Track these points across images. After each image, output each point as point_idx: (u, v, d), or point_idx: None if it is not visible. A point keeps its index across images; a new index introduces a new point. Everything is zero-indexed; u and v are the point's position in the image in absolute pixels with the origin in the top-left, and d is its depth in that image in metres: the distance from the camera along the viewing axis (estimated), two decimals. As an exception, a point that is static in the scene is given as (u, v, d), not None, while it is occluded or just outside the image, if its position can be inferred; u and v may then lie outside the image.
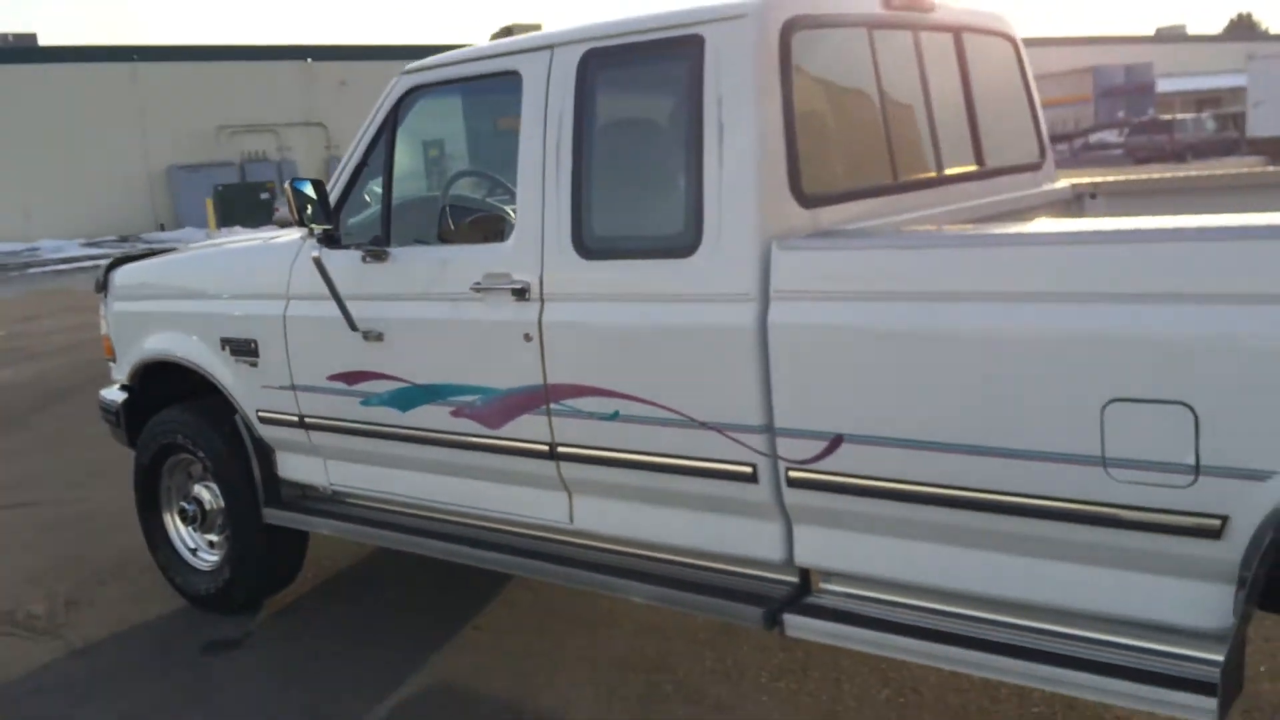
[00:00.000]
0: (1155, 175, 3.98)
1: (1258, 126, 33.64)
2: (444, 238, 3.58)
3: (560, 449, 3.22)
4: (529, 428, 3.27)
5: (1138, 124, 44.50)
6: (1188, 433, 2.20)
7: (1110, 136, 48.27)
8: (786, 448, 2.77)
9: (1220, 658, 2.23)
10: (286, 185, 3.56)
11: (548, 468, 3.28)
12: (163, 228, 34.00)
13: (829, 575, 2.94)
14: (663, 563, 3.20)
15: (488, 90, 3.63)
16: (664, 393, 2.96)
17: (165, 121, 35.22)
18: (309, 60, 37.46)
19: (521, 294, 3.20)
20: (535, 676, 3.68)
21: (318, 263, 3.54)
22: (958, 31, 3.62)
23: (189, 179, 34.65)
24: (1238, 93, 40.15)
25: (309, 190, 3.54)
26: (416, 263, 3.52)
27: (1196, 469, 2.20)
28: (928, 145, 3.46)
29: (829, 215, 2.94)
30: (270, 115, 36.86)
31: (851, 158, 3.23)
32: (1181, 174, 4.04)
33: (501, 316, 3.25)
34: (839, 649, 3.63)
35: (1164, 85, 52.14)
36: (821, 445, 2.71)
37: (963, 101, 3.64)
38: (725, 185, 2.82)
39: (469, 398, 3.39)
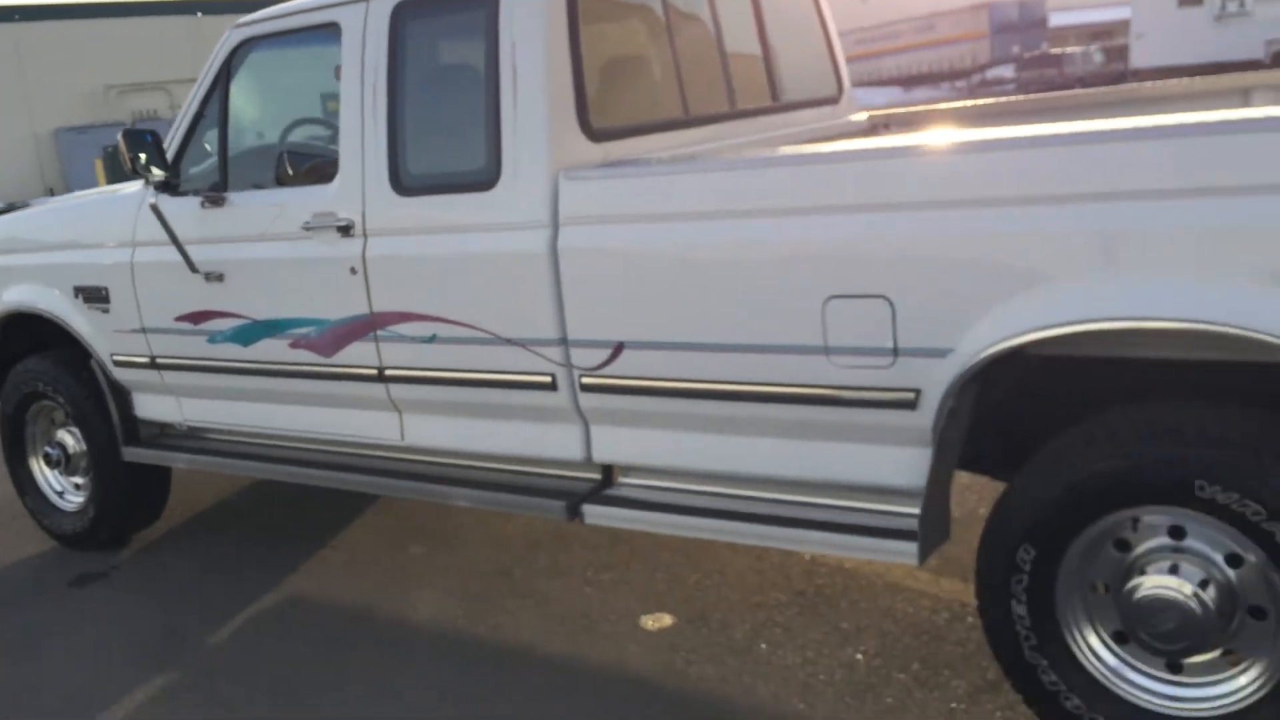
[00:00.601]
0: (943, 105, 4.36)
1: (1140, 58, 34.73)
2: (281, 182, 3.82)
3: (388, 372, 3.53)
4: (359, 354, 3.57)
5: (1029, 59, 45.43)
6: (887, 322, 2.59)
7: (1006, 72, 49.33)
8: (578, 357, 3.12)
9: (918, 510, 2.64)
10: (120, 134, 3.77)
11: (378, 390, 3.59)
12: (51, 192, 33.10)
13: (627, 470, 3.31)
14: (483, 470, 3.54)
15: (313, 41, 3.85)
16: (474, 314, 3.28)
17: (51, 83, 34.13)
18: (199, 15, 36.63)
19: (346, 230, 3.48)
20: (386, 588, 4.02)
21: (155, 209, 3.77)
22: (749, -26, 3.95)
23: (78, 141, 33.67)
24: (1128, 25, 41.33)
25: (144, 140, 3.76)
26: (252, 206, 3.77)
27: (895, 351, 2.60)
28: (720, 81, 3.80)
29: (619, 149, 3.27)
30: (160, 73, 35.87)
31: (641, 95, 3.55)
32: (975, 102, 4.42)
33: (329, 253, 3.52)
34: (663, 546, 4.05)
35: (1057, 19, 53.14)
36: (606, 353, 3.06)
37: (757, 39, 3.98)
38: (519, 124, 3.13)
39: (304, 330, 3.67)
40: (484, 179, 3.20)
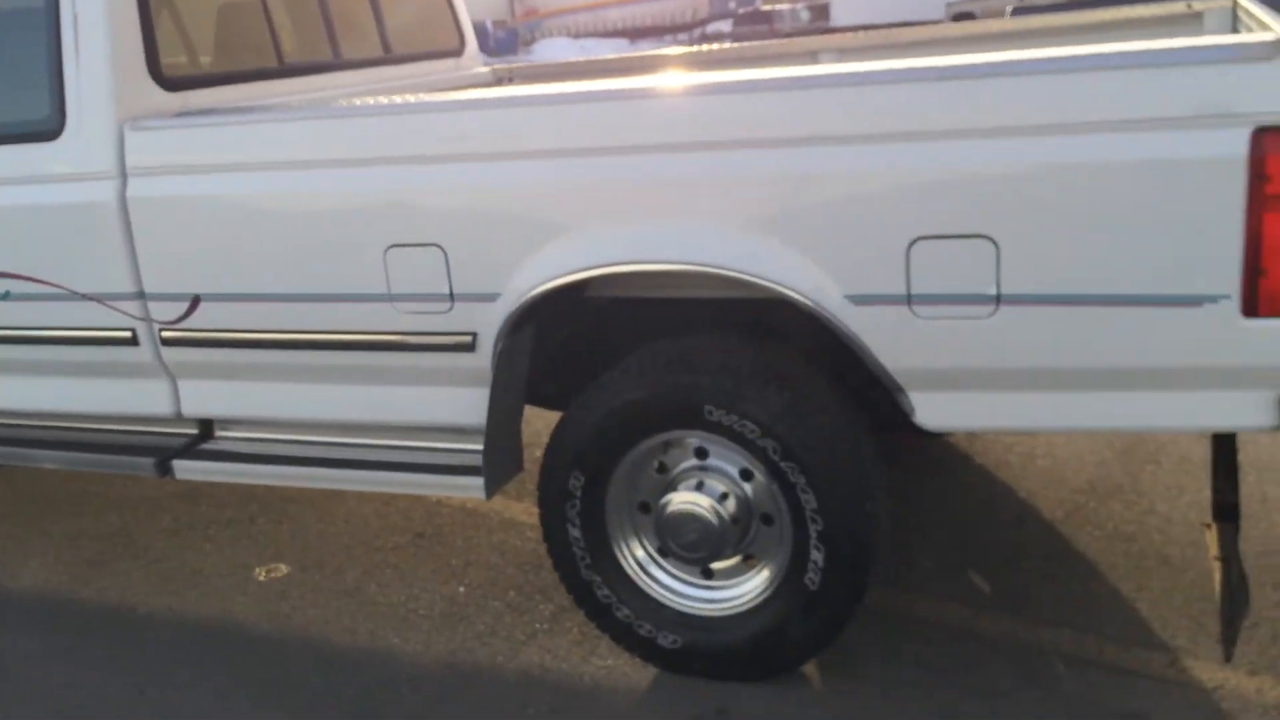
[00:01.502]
0: (581, 60, 4.53)
1: (839, 17, 36.80)
2: None
3: (-38, 332, 3.35)
4: (-69, 313, 3.35)
5: (742, 15, 47.10)
6: (442, 269, 2.70)
7: (725, 26, 50.99)
8: (157, 311, 3.07)
9: (476, 445, 2.80)
10: None
11: (-46, 351, 3.40)
12: None
13: (224, 423, 3.30)
14: (78, 431, 3.44)
15: None
16: (48, 270, 3.15)
17: None
18: None
19: (-96, 182, 3.25)
20: (-10, 557, 3.83)
21: None
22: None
23: None
24: (834, -16, 43.59)
25: None
26: None
27: (451, 296, 2.72)
28: (321, 30, 3.78)
29: (199, 98, 3.21)
30: None
31: (227, 43, 3.49)
32: (615, 57, 4.58)
33: (-112, 205, 3.28)
34: (290, 498, 4.06)
35: (773, -24, 55.08)
36: (184, 306, 3.03)
37: (364, -10, 3.99)
38: (83, 73, 3.01)
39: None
40: (49, 128, 3.07)
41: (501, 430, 2.84)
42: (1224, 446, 2.57)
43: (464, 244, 2.67)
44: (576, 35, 50.55)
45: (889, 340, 2.37)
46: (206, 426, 3.33)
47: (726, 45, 4.43)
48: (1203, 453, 3.64)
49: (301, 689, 2.96)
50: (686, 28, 50.20)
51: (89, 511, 4.14)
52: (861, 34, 4.11)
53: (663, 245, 2.45)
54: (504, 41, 47.87)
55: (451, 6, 4.45)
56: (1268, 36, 2.00)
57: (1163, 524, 3.35)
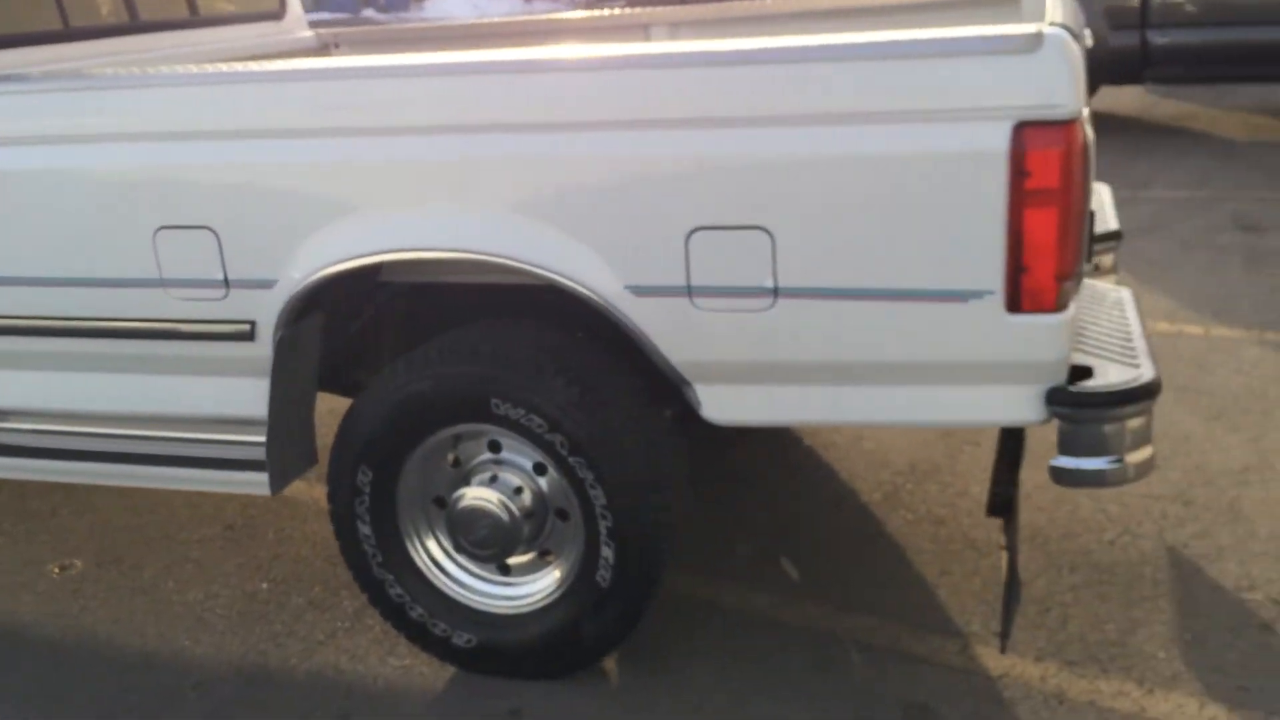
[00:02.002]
0: (411, 26, 4.35)
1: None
2: None
3: None
4: None
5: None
6: (215, 253, 2.55)
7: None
8: (-86, 295, 2.84)
9: (259, 438, 2.67)
10: None
11: None
12: None
13: (5, 414, 3.09)
14: None
15: None
16: None
17: None
18: None
19: None
20: None
21: None
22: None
23: None
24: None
25: None
26: None
27: (226, 283, 2.57)
28: (113, -7, 3.55)
29: (-33, 63, 2.98)
30: None
31: (2, 4, 3.25)
32: (443, 23, 4.42)
33: None
34: (94, 490, 3.85)
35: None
36: (-56, 290, 2.81)
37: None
38: None
39: None
40: None
41: (287, 423, 2.70)
42: (1011, 440, 2.58)
43: (237, 227, 2.51)
44: (471, -12, 49.68)
45: (671, 332, 2.31)
46: (-14, 418, 3.12)
47: (577, 14, 4.29)
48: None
49: (83, 696, 2.81)
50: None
51: (-125, 504, 3.88)
52: (713, 6, 4.00)
53: (435, 231, 2.34)
54: (395, -2, 46.71)
55: (270, -32, 4.23)
56: (1030, 28, 1.97)
57: (973, 507, 3.39)
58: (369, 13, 41.22)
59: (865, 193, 2.09)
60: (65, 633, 3.08)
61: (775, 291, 2.20)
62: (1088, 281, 2.73)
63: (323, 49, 4.40)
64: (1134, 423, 2.16)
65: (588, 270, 2.29)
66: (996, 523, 3.27)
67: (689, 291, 2.25)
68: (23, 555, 3.50)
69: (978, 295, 2.09)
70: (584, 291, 2.30)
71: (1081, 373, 2.20)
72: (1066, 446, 2.16)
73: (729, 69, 2.12)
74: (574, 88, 2.23)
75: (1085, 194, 2.07)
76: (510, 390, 2.44)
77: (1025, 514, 3.32)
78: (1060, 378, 2.16)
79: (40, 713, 2.76)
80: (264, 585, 3.25)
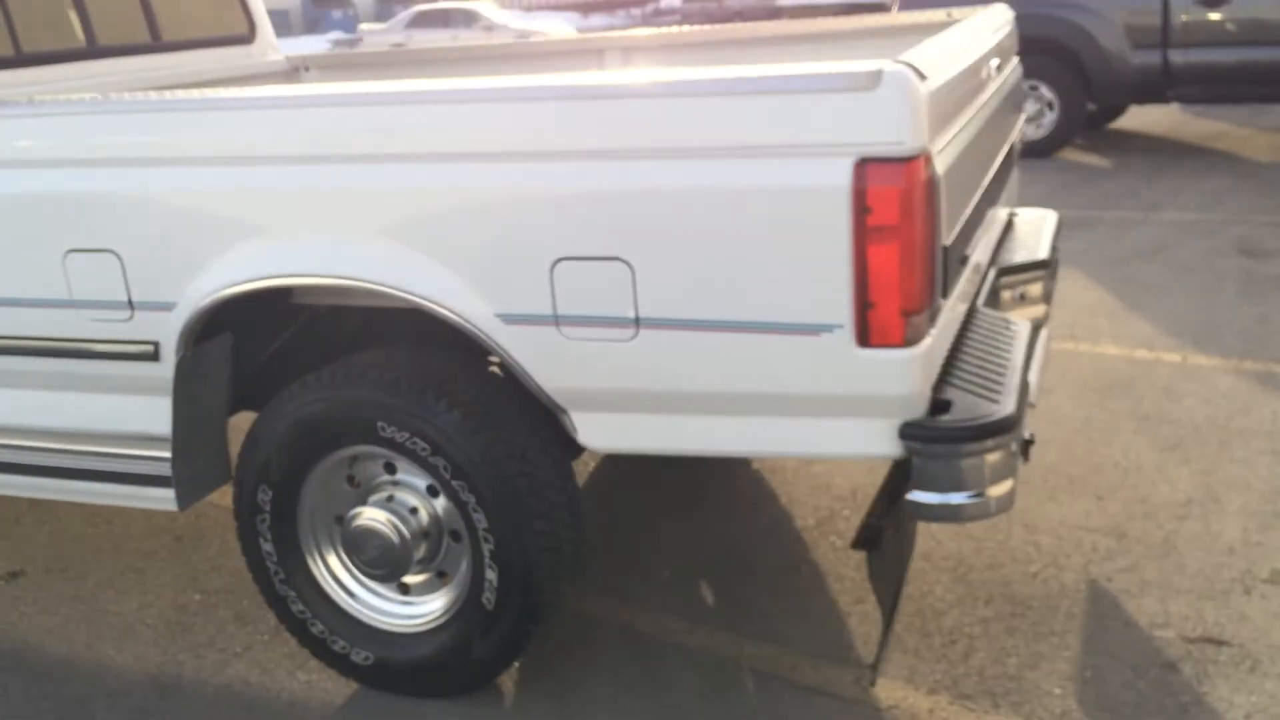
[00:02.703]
0: (371, 51, 4.43)
1: (785, -6, 36.69)
2: None
3: None
4: None
5: (693, -11, 46.52)
6: (119, 276, 2.63)
7: (676, 2, 50.49)
8: None
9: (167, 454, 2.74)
10: None
11: None
12: None
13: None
14: None
15: None
16: None
17: None
18: None
19: None
20: None
21: None
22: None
23: None
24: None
25: None
26: None
27: (130, 304, 2.65)
28: (70, 16, 3.65)
29: (-86, 90, 3.10)
30: None
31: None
32: (439, 46, 4.50)
33: None
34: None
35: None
36: (-120, 307, 2.92)
37: (129, -23, 3.86)
38: None
39: None
40: None
41: (194, 441, 2.77)
42: (898, 473, 2.56)
43: (138, 252, 2.59)
44: (529, 7, 49.84)
45: (541, 360, 2.34)
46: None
47: (536, 40, 4.35)
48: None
49: (1, 703, 2.90)
50: (639, 2, 49.74)
51: None
52: (675, 32, 4.03)
53: (311, 259, 2.39)
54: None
55: (240, -8, 4.33)
56: (871, 65, 1.97)
57: (902, 535, 3.35)
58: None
59: (718, 225, 2.10)
60: (6, 642, 3.17)
61: (637, 321, 2.22)
62: (988, 313, 2.71)
63: (291, 73, 4.50)
64: (992, 457, 2.14)
65: (459, 298, 2.33)
66: (919, 552, 3.25)
67: (556, 320, 2.28)
68: (-23, 562, 3.61)
69: (828, 329, 2.09)
70: (456, 319, 2.34)
71: (941, 406, 2.19)
72: (921, 481, 2.15)
73: (583, 103, 2.14)
74: (442, 119, 2.27)
75: (932, 230, 2.05)
76: (394, 414, 2.48)
77: (954, 543, 3.29)
78: (915, 412, 2.14)
79: (-41, 717, 2.85)
80: (196, 597, 3.33)
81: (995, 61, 2.77)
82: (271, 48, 4.47)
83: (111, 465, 2.85)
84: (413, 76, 4.33)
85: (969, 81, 2.48)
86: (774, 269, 2.09)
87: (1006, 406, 2.17)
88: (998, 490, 2.17)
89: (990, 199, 2.88)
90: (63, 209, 2.63)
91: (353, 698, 2.80)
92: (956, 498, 2.14)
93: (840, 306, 2.06)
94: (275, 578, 2.76)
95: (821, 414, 2.20)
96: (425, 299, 2.33)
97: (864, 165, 1.98)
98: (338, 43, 34.12)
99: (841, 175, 1.99)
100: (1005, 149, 3.17)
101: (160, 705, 2.84)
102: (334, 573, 2.79)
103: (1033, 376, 2.48)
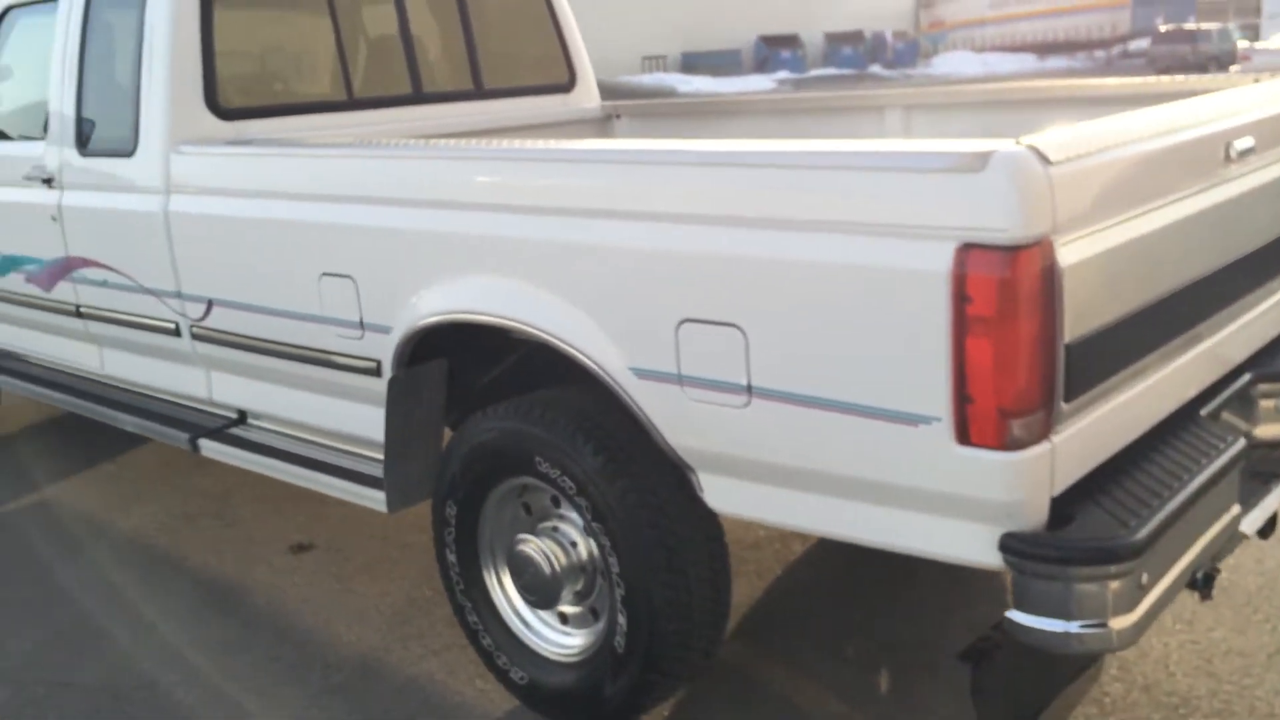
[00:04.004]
0: (676, 100, 4.64)
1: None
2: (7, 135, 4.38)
3: (82, 309, 4.05)
4: (64, 292, 4.09)
5: (1162, 33, 42.97)
6: (354, 299, 2.98)
7: (1144, 44, 46.73)
8: (189, 309, 3.58)
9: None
10: None
11: (78, 325, 4.12)
12: None
13: (255, 414, 3.77)
14: (161, 401, 4.05)
15: (54, 13, 4.36)
16: (127, 265, 3.76)
17: None
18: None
19: (49, 182, 4.00)
20: (104, 508, 4.58)
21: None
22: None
23: None
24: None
25: None
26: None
27: (362, 325, 2.99)
28: (401, 64, 4.14)
29: (257, 127, 3.69)
30: None
31: (293, 75, 3.95)
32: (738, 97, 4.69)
33: (39, 200, 4.05)
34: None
35: (1214, -10, 49.73)
36: (203, 308, 3.51)
37: (458, 27, 4.31)
38: (150, 99, 3.58)
39: (32, 267, 4.21)
40: (128, 147, 3.66)
41: (405, 452, 3.06)
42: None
43: (369, 279, 2.92)
44: (981, 49, 48.25)
45: (667, 417, 2.36)
46: (244, 412, 3.81)
47: (856, 91, 4.35)
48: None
49: (244, 662, 3.36)
50: (1104, 44, 46.52)
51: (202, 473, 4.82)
52: (944, 89, 3.90)
53: (473, 299, 2.59)
54: (903, 54, 46.67)
55: (562, 40, 4.66)
56: (981, 146, 1.81)
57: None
58: (875, 69, 41.91)
59: (825, 300, 2.03)
60: (271, 606, 3.65)
61: (749, 389, 2.18)
62: (1206, 422, 2.35)
63: (604, 122, 4.78)
64: (1115, 585, 1.88)
65: (600, 350, 2.41)
66: (1142, 684, 2.87)
67: (680, 379, 2.29)
68: (265, 532, 4.18)
69: (926, 420, 1.94)
70: (593, 367, 2.42)
71: (1062, 520, 1.95)
72: (1020, 600, 1.93)
73: (702, 169, 2.15)
74: (593, 176, 2.37)
75: (1047, 325, 1.84)
76: (549, 450, 2.61)
77: (1188, 680, 2.87)
78: (1024, 523, 1.93)
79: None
80: (428, 592, 3.65)
81: (1248, 140, 2.41)
82: (589, 96, 4.78)
83: (339, 460, 3.23)
84: (712, 127, 4.49)
85: (1169, 160, 2.18)
86: (878, 351, 1.98)
87: (1138, 532, 1.90)
88: (1122, 622, 1.90)
89: (1234, 291, 2.51)
90: (316, 237, 3.03)
91: (510, 714, 2.96)
92: (1060, 625, 1.90)
93: (939, 398, 1.91)
94: (457, 587, 2.98)
95: (922, 509, 2.04)
96: (570, 345, 2.44)
97: (966, 251, 1.83)
98: (781, 83, 35.23)
99: (943, 260, 1.85)
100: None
101: (358, 684, 3.16)
102: (506, 591, 2.96)
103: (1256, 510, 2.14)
